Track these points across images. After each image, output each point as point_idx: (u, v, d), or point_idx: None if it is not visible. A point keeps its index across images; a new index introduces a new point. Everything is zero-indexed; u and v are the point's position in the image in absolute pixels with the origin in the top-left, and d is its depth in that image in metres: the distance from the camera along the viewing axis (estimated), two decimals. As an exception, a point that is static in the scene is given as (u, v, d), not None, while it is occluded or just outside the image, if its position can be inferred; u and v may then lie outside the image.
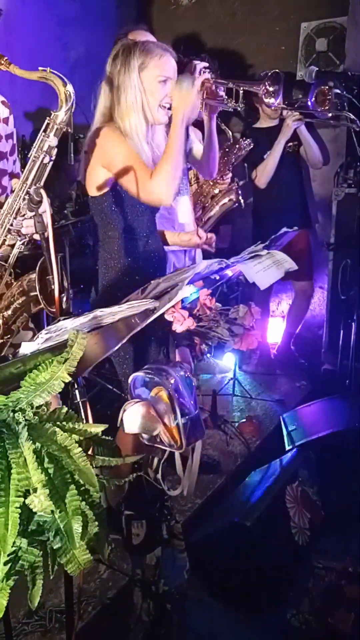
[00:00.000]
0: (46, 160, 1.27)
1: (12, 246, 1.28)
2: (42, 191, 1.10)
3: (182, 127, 1.85)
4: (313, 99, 2.47)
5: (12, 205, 1.30)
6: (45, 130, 1.29)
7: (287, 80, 3.25)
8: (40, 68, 1.26)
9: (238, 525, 1.92)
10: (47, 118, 1.29)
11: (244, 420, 2.94)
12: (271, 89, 2.13)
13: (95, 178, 1.88)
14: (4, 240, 1.27)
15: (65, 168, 3.03)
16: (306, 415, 2.74)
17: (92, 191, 1.92)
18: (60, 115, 1.29)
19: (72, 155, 2.51)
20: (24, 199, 1.25)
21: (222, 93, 2.11)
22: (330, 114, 2.55)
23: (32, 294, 1.27)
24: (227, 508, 2.15)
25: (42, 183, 1.26)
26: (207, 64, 2.16)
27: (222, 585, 1.94)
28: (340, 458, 2.36)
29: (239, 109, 2.09)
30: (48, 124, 1.29)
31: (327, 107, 2.42)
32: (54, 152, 1.27)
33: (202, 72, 2.10)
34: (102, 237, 1.99)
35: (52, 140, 1.27)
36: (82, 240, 3.36)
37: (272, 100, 2.15)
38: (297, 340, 3.92)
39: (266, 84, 2.11)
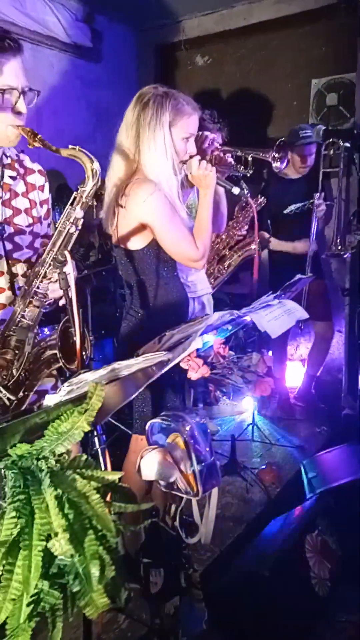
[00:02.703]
0: (72, 230, 1.37)
1: (38, 307, 1.37)
2: (67, 253, 1.19)
3: (212, 202, 1.99)
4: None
5: (40, 270, 1.41)
6: (72, 203, 1.40)
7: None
8: (70, 146, 1.38)
9: (257, 575, 1.90)
10: (75, 192, 1.40)
11: (264, 466, 2.92)
12: (278, 155, 2.31)
13: (133, 233, 1.91)
14: (31, 301, 1.37)
15: (89, 220, 3.18)
16: (326, 462, 2.72)
17: (128, 245, 1.95)
18: (87, 190, 1.38)
19: (95, 210, 2.64)
20: (49, 264, 1.35)
21: (230, 160, 2.26)
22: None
23: (53, 352, 1.35)
24: (246, 557, 2.13)
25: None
26: (215, 136, 2.30)
27: (241, 636, 1.90)
28: (361, 506, 2.32)
29: (248, 174, 2.23)
30: (75, 197, 1.39)
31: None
32: (80, 222, 1.38)
33: (210, 143, 2.23)
34: (134, 285, 2.01)
35: (79, 213, 1.37)
36: (104, 288, 3.49)
37: (278, 164, 2.32)
38: (317, 384, 3.92)
39: (274, 151, 2.29)
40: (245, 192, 2.14)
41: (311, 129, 3.34)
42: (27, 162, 1.71)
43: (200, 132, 2.34)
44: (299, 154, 3.42)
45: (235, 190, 2.04)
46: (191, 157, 1.95)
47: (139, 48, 4.69)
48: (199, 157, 1.95)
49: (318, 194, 3.21)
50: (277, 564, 1.95)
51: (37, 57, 3.79)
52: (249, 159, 2.37)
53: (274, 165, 2.38)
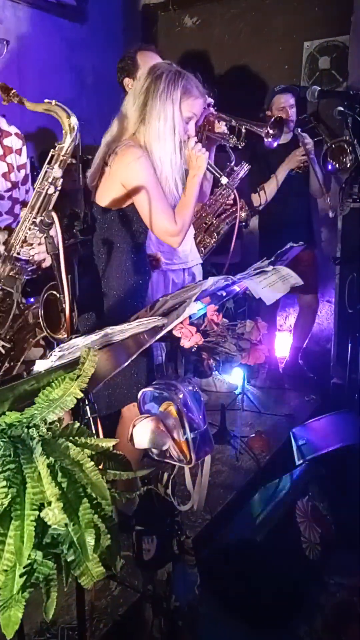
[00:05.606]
0: (51, 191, 1.28)
1: (20, 273, 1.31)
2: (54, 214, 1.14)
3: (199, 183, 1.99)
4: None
5: (18, 235, 1.34)
6: (49, 162, 1.30)
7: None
8: (45, 100, 1.29)
9: (248, 540, 1.92)
10: (52, 150, 1.30)
11: (253, 435, 2.94)
12: (272, 132, 2.28)
13: (112, 193, 1.92)
14: (12, 267, 1.30)
15: (73, 187, 3.09)
16: (316, 429, 2.74)
17: (103, 202, 1.95)
18: (65, 147, 1.29)
19: (79, 176, 2.55)
20: (30, 228, 1.28)
21: (224, 128, 2.22)
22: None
23: (37, 321, 1.30)
24: (238, 523, 2.15)
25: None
26: (212, 101, 2.24)
27: (233, 601, 1.93)
28: (350, 472, 2.35)
29: (240, 147, 2.21)
30: (53, 155, 1.30)
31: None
32: (59, 182, 1.28)
33: (206, 107, 2.18)
34: (103, 248, 2.00)
35: (57, 172, 1.27)
36: (90, 257, 3.42)
37: (271, 140, 2.30)
38: (306, 354, 3.93)
39: (269, 127, 2.25)
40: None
41: (286, 85, 3.36)
42: (3, 124, 1.64)
43: None
44: (277, 107, 3.36)
45: (224, 180, 2.07)
46: (189, 137, 1.96)
47: (125, 8, 4.51)
48: (195, 138, 1.97)
49: (300, 129, 3.14)
50: (268, 529, 1.97)
51: (18, 16, 3.62)
52: (243, 130, 2.32)
53: (265, 140, 2.37)
